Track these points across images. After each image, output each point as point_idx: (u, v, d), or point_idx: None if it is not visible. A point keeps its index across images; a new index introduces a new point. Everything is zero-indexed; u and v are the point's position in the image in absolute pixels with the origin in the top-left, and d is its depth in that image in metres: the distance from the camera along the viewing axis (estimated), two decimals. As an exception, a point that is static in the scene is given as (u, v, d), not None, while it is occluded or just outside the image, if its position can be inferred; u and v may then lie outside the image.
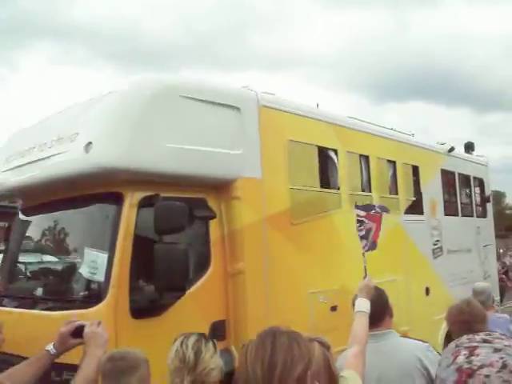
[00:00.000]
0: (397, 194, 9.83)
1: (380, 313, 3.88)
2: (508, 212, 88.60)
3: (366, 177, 9.07)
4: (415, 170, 10.48)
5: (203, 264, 6.48)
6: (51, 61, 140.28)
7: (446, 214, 11.24)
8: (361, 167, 8.95)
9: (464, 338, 1.90)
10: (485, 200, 13.89)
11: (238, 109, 6.86)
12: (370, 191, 9.06)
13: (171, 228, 5.56)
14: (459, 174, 12.27)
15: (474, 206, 13.07)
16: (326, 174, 8.26)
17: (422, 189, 10.56)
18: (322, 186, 8.05)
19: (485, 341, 1.77)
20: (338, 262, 8.02)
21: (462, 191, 12.47)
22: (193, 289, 6.08)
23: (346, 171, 8.49)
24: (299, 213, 7.53)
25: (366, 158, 9.07)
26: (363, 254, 5.31)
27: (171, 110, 6.16)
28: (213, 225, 6.63)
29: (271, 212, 7.08)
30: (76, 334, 3.12)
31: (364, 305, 3.62)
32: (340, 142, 8.47)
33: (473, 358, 1.65)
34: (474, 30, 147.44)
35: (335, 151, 8.38)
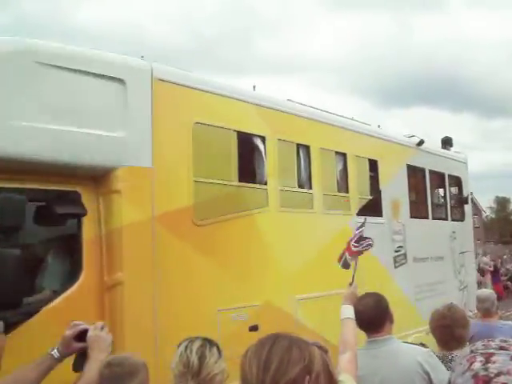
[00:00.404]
0: (347, 191, 8.40)
1: (380, 318, 3.82)
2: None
3: (306, 171, 7.66)
4: (373, 164, 9.00)
5: (72, 272, 5.18)
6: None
7: (412, 217, 9.74)
8: (298, 159, 7.54)
9: (479, 344, 1.56)
10: (462, 201, 12.27)
11: (121, 81, 5.51)
12: (311, 188, 7.65)
13: (3, 226, 4.41)
14: (430, 172, 10.72)
15: (448, 207, 11.51)
16: (248, 166, 6.86)
17: (382, 187, 9.09)
18: (240, 180, 6.65)
19: (501, 348, 1.49)
20: (260, 273, 6.67)
21: (433, 191, 10.98)
22: (54, 303, 4.92)
23: (276, 163, 7.10)
24: (206, 211, 6.16)
25: (306, 148, 7.67)
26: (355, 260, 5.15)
27: (25, 78, 4.85)
28: (86, 224, 5.28)
29: (165, 209, 5.71)
30: (79, 338, 3.09)
31: (350, 311, 3.67)
32: (269, 128, 7.09)
33: (489, 365, 1.42)
34: (477, 34, 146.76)
35: (262, 138, 7.00)
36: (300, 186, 7.54)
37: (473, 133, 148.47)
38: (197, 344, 2.90)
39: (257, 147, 6.93)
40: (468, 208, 12.53)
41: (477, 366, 1.46)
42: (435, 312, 4.21)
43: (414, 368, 3.56)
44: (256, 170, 6.95)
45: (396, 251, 9.08)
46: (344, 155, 8.34)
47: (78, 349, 3.13)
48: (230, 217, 6.41)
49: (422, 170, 10.45)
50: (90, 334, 3.10)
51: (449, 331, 3.96)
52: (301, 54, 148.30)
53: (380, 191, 9.02)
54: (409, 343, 4.48)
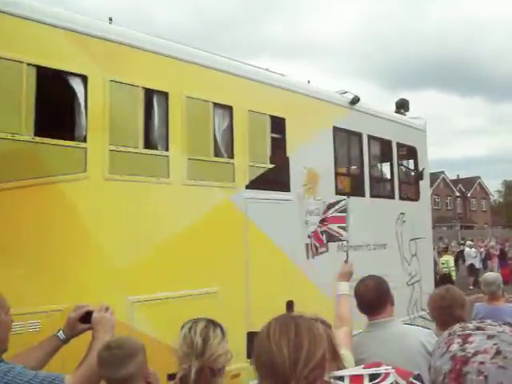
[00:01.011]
0: (231, 156, 6.32)
1: (381, 301, 3.82)
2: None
3: (160, 125, 5.63)
4: (278, 123, 6.86)
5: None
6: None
7: (339, 193, 7.43)
8: (148, 108, 5.52)
9: (457, 327, 1.63)
10: (417, 177, 9.94)
11: None
12: (167, 149, 5.62)
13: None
14: (371, 138, 8.51)
15: (395, 183, 9.23)
16: (55, 114, 4.86)
17: (291, 153, 6.98)
18: (39, 134, 4.69)
19: (478, 328, 1.57)
20: (72, 266, 4.80)
21: (374, 162, 8.82)
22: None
23: (105, 111, 5.13)
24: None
25: (162, 95, 5.64)
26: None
27: None
28: None
29: None
30: (85, 320, 3.17)
31: (345, 287, 4.17)
32: (93, 62, 5.09)
33: (467, 345, 1.49)
34: (488, 16, 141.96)
35: (83, 78, 5.01)
36: (148, 147, 5.50)
37: (482, 116, 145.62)
38: (201, 325, 2.86)
39: (71, 88, 4.93)
40: (425, 185, 10.18)
41: (454, 347, 1.50)
42: (434, 293, 4.29)
43: (418, 349, 3.57)
44: (68, 121, 4.97)
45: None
46: (229, 108, 6.26)
47: (83, 330, 3.20)
48: (20, 184, 4.50)
49: (358, 135, 8.26)
50: (94, 315, 3.16)
51: (448, 312, 3.96)
52: (309, 37, 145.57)
53: (287, 159, 6.93)
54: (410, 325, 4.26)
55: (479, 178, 78.48)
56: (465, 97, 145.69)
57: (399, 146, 9.37)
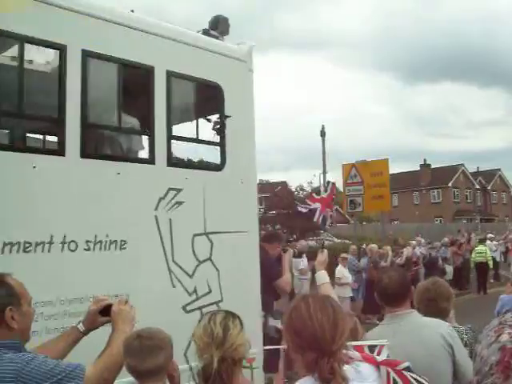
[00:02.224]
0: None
1: (404, 293, 3.84)
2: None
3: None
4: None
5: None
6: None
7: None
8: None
9: (508, 315, 1.73)
10: (217, 130, 6.09)
11: None
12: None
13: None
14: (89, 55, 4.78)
15: (158, 138, 5.37)
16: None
17: None
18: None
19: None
20: None
21: (101, 97, 5.22)
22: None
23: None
24: None
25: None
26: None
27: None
28: None
29: None
30: (104, 312, 3.25)
31: (325, 277, 4.44)
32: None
33: None
34: (507, 7, 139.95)
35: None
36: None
37: (501, 107, 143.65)
38: (220, 316, 2.92)
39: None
40: (239, 146, 6.12)
41: (504, 337, 1.50)
42: (420, 286, 4.40)
43: (438, 341, 3.61)
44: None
45: None
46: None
47: (102, 323, 3.29)
48: None
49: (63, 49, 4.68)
50: (114, 308, 3.23)
51: (433, 304, 4.11)
52: (324, 30, 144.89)
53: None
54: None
55: (499, 170, 77.74)
56: (483, 88, 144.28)
57: (175, 77, 5.52)
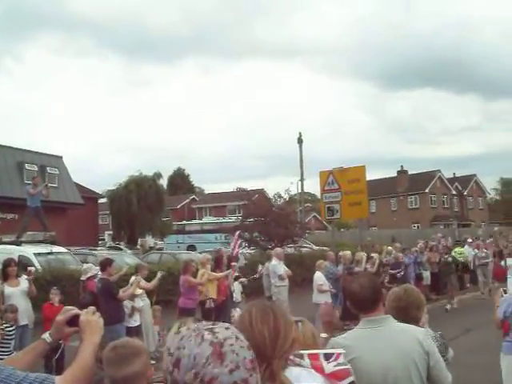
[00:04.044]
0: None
1: (376, 298, 3.82)
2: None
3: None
4: None
5: None
6: (56, 51, 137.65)
7: None
8: None
9: (200, 324, 1.94)
10: None
11: None
12: None
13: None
14: None
15: None
16: None
17: None
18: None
19: (213, 324, 1.92)
20: None
21: None
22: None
23: None
24: None
25: None
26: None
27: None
28: None
29: None
30: (72, 323, 3.13)
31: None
32: None
33: (216, 334, 1.84)
34: (481, 15, 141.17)
35: None
36: None
37: (477, 114, 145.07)
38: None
39: None
40: None
41: (208, 336, 1.80)
42: (392, 293, 4.38)
43: (415, 347, 3.62)
44: None
45: None
46: None
47: (70, 333, 3.18)
48: None
49: None
50: (82, 318, 3.12)
51: (404, 312, 4.13)
52: (302, 37, 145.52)
53: None
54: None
55: (475, 175, 78.58)
56: (459, 95, 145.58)
57: None
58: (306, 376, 2.50)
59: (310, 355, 2.59)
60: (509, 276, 16.49)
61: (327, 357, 2.64)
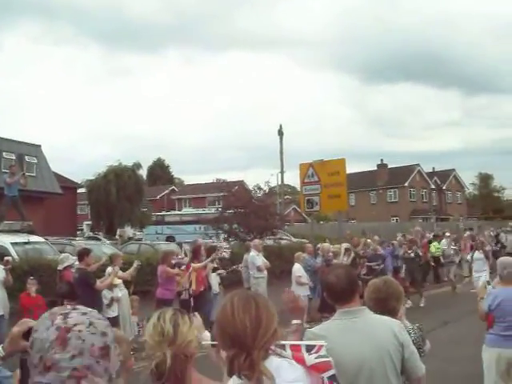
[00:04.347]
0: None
1: (352, 289, 3.85)
2: (495, 195, 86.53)
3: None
4: None
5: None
6: (35, 39, 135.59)
7: None
8: None
9: (56, 309, 1.93)
10: None
11: None
12: None
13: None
14: None
15: None
16: None
17: None
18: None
19: (74, 309, 1.93)
20: None
21: None
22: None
23: None
24: None
25: None
26: None
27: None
28: None
29: None
30: (28, 336, 2.59)
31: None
32: None
33: (68, 319, 1.83)
34: (462, 11, 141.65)
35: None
36: None
37: (458, 109, 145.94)
38: (169, 313, 2.86)
39: None
40: None
41: (58, 321, 1.79)
42: (371, 284, 4.43)
43: (390, 339, 3.65)
44: None
45: None
46: None
47: (25, 347, 2.77)
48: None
49: None
50: None
51: (383, 304, 4.17)
52: (284, 29, 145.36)
53: None
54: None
55: (454, 170, 79.20)
56: (440, 90, 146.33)
57: None
58: (287, 367, 2.50)
59: (291, 346, 2.61)
60: (474, 271, 16.71)
61: (309, 348, 2.65)
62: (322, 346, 2.70)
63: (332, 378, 2.63)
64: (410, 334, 4.14)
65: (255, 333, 2.38)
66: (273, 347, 2.49)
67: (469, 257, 17.76)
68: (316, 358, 2.61)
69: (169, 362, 2.68)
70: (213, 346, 3.02)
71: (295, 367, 2.55)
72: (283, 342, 2.61)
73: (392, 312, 4.22)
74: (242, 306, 2.45)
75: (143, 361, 2.86)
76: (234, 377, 2.43)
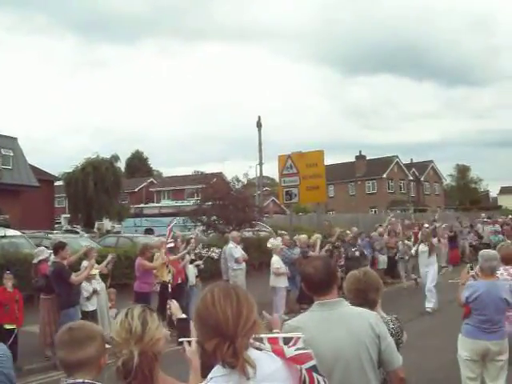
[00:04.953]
0: None
1: (330, 281, 3.86)
2: (472, 186, 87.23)
3: None
4: None
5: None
6: (9, 29, 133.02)
7: None
8: None
9: None
10: None
11: None
12: None
13: None
14: None
15: None
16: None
17: None
18: None
19: None
20: None
21: None
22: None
23: None
24: None
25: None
26: None
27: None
28: None
29: None
30: None
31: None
32: None
33: None
34: (441, 3, 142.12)
35: None
36: None
37: (435, 101, 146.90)
38: (137, 310, 2.81)
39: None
40: None
41: None
42: (351, 276, 4.45)
43: (366, 331, 3.65)
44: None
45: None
46: None
47: None
48: None
49: None
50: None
51: (362, 295, 4.22)
52: (263, 21, 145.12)
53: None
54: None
55: (432, 162, 79.67)
56: (417, 82, 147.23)
57: None
58: (266, 359, 2.51)
59: (269, 339, 2.62)
60: (420, 266, 16.64)
61: (286, 341, 2.66)
62: (299, 338, 2.72)
63: (313, 368, 2.64)
64: (388, 324, 4.20)
65: (237, 322, 2.40)
66: (251, 340, 2.50)
67: (413, 250, 17.47)
68: (296, 350, 2.61)
69: (136, 360, 2.64)
70: (179, 343, 2.98)
71: (274, 359, 2.55)
72: (261, 335, 2.62)
73: (372, 303, 4.26)
74: (223, 296, 2.46)
75: (111, 358, 2.80)
76: (217, 368, 2.44)
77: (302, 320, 3.84)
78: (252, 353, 2.47)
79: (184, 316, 3.40)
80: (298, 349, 2.63)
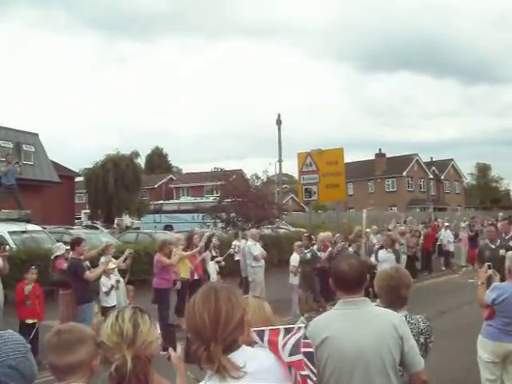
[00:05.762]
0: None
1: (362, 280, 3.85)
2: (493, 185, 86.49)
3: None
4: None
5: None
6: (30, 26, 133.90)
7: None
8: None
9: None
10: None
11: None
12: None
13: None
14: None
15: None
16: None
17: None
18: None
19: None
20: None
21: None
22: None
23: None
24: None
25: None
26: None
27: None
28: None
29: None
30: None
31: None
32: None
33: None
34: (462, 2, 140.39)
35: None
36: None
37: (456, 99, 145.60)
38: (128, 313, 2.74)
39: None
40: None
41: None
42: (382, 272, 4.60)
43: (390, 331, 3.64)
44: None
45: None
46: None
47: None
48: None
49: None
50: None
51: (395, 291, 4.27)
52: (282, 17, 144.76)
53: None
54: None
55: (452, 160, 79.15)
56: (438, 79, 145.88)
57: None
58: (260, 355, 2.56)
59: (270, 331, 2.68)
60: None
61: (288, 331, 2.70)
62: (300, 328, 2.74)
63: (309, 355, 2.70)
64: (419, 323, 4.29)
65: (214, 327, 2.42)
66: (253, 335, 2.61)
67: (373, 258, 15.79)
68: (290, 357, 2.62)
69: (130, 364, 2.57)
70: (164, 349, 2.93)
71: (269, 355, 2.59)
72: (263, 328, 2.69)
73: (403, 300, 4.35)
74: (202, 301, 2.49)
75: (102, 363, 2.71)
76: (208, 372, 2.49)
77: (326, 317, 3.87)
78: (245, 350, 2.52)
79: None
80: (296, 339, 2.67)
